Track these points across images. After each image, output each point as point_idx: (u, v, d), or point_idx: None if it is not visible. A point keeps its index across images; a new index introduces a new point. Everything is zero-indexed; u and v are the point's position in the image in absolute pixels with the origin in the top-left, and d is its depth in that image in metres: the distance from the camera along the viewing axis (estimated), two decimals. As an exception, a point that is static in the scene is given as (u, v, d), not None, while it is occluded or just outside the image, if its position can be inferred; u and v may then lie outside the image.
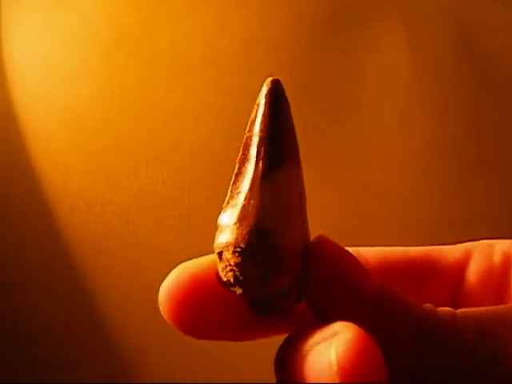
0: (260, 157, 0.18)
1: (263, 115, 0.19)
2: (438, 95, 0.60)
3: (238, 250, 0.17)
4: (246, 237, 0.17)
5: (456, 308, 0.21)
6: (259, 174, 0.18)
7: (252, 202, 0.18)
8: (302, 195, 0.19)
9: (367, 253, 0.22)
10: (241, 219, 0.18)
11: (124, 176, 0.57)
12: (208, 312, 0.18)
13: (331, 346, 0.16)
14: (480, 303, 0.21)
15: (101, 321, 0.53)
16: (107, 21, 0.62)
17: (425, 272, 0.22)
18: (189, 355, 0.52)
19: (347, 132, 0.59)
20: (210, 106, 0.59)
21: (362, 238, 0.58)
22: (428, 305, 0.18)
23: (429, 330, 0.17)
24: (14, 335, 0.53)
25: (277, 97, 0.19)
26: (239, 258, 0.17)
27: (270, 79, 0.19)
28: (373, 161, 0.59)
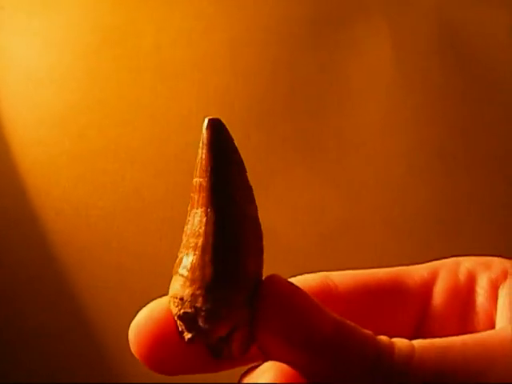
0: (207, 207, 0.18)
1: (205, 160, 0.18)
2: (423, 94, 0.60)
3: (182, 304, 0.18)
4: (191, 297, 0.18)
5: (423, 328, 0.22)
6: (209, 226, 0.18)
7: (200, 260, 0.18)
8: (257, 233, 0.19)
9: (336, 277, 0.23)
10: (191, 279, 0.18)
11: (109, 180, 0.57)
12: (176, 351, 0.19)
13: None
14: (447, 321, 0.22)
15: (87, 323, 0.53)
16: (92, 25, 0.61)
17: (393, 293, 0.22)
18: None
19: (333, 132, 0.59)
20: (195, 109, 0.59)
21: (349, 236, 0.58)
22: (386, 340, 0.17)
23: (385, 371, 0.17)
24: (1, 339, 0.53)
25: (216, 139, 0.18)
26: (181, 311, 0.18)
27: (207, 120, 0.18)
28: (359, 160, 0.59)
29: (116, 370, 0.52)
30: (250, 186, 0.19)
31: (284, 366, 0.18)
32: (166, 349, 0.19)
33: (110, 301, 0.53)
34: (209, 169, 0.18)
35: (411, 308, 0.22)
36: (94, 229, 0.55)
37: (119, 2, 0.61)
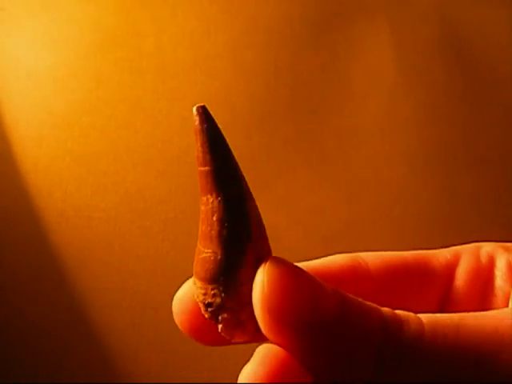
0: (217, 193, 0.18)
1: (204, 147, 0.19)
2: (424, 94, 0.60)
3: (203, 294, 0.19)
4: (212, 292, 0.18)
5: (446, 308, 0.22)
6: (220, 213, 0.18)
7: (213, 251, 0.18)
8: (259, 223, 0.19)
9: (367, 257, 0.23)
10: (208, 280, 0.18)
11: (111, 181, 0.57)
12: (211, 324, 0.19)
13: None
14: (468, 302, 0.22)
15: (89, 324, 0.53)
16: (93, 26, 0.61)
17: (419, 273, 0.23)
18: (177, 357, 0.52)
19: (334, 133, 0.59)
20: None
21: (351, 237, 0.58)
22: (393, 315, 0.17)
23: (393, 347, 0.16)
24: (2, 339, 0.53)
25: (210, 125, 0.19)
26: (202, 298, 0.19)
27: (196, 108, 0.19)
28: (360, 161, 0.59)
29: (117, 371, 0.52)
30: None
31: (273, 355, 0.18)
32: (202, 321, 0.19)
33: (111, 302, 0.53)
34: (210, 155, 0.18)
35: (435, 288, 0.23)
36: (95, 230, 0.55)
37: (121, 3, 0.61)
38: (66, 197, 0.56)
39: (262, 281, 0.17)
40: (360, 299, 0.17)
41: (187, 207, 0.55)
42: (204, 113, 0.19)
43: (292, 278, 0.17)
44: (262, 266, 0.18)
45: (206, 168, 0.19)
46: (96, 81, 0.60)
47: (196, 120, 0.19)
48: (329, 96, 0.60)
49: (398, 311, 0.17)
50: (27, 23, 0.61)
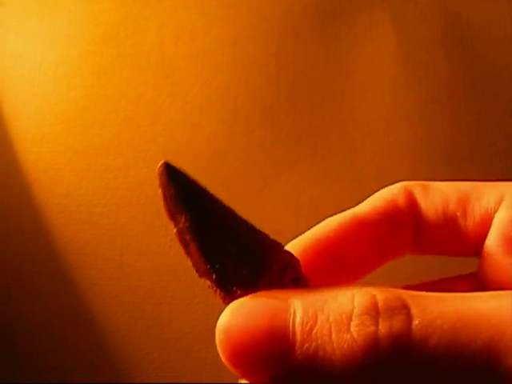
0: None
1: (171, 203, 0.18)
2: (427, 88, 0.60)
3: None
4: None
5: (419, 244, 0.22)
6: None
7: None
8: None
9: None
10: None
11: (112, 176, 0.56)
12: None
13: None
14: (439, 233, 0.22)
15: (90, 321, 0.53)
16: (94, 21, 0.61)
17: (392, 219, 0.22)
18: (179, 355, 0.52)
19: (337, 126, 0.59)
20: (199, 105, 0.59)
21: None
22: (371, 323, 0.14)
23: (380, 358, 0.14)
24: (3, 336, 0.53)
25: (175, 181, 0.18)
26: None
27: (158, 166, 0.18)
28: (364, 155, 0.59)
29: (118, 366, 0.52)
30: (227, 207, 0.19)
31: None
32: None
33: (113, 298, 0.53)
34: (181, 210, 0.18)
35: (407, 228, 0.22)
36: (97, 225, 0.55)
37: (121, -2, 0.60)
38: (67, 192, 0.56)
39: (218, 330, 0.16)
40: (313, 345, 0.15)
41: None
42: (165, 172, 0.18)
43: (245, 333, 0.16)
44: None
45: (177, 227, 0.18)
46: (97, 76, 0.60)
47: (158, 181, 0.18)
48: (331, 89, 0.60)
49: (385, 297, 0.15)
50: (27, 19, 0.61)
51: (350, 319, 0.14)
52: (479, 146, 0.59)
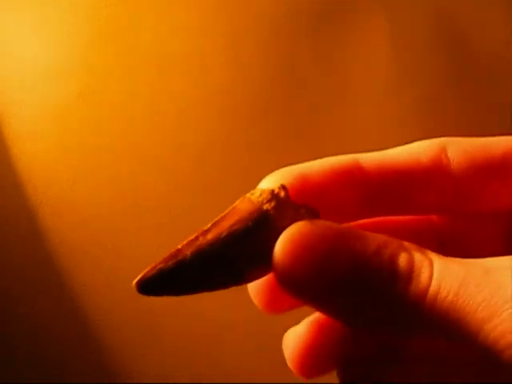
0: None
1: None
2: (422, 87, 0.60)
3: None
4: None
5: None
6: None
7: None
8: None
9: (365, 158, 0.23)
10: None
11: (106, 176, 0.56)
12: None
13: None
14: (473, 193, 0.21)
15: (83, 323, 0.53)
16: (88, 19, 0.61)
17: (412, 172, 0.22)
18: (171, 356, 0.51)
19: (332, 125, 0.59)
20: (195, 104, 0.58)
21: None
22: (411, 260, 0.17)
23: (399, 302, 0.16)
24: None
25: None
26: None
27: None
28: (358, 153, 0.59)
29: (111, 370, 0.52)
30: None
31: None
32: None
33: (105, 299, 0.53)
34: None
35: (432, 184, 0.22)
36: (90, 226, 0.55)
37: (115, -4, 0.60)
38: (60, 193, 0.56)
39: (278, 244, 0.17)
40: (375, 245, 0.17)
41: (184, 205, 0.55)
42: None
43: (305, 240, 0.17)
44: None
45: None
46: (91, 75, 0.59)
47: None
48: (327, 89, 0.59)
49: (415, 257, 0.17)
50: (20, 16, 0.61)
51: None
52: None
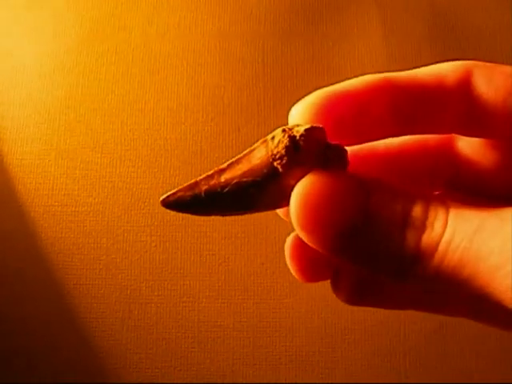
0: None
1: None
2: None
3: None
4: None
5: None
6: None
7: None
8: None
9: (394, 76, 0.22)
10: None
11: (97, 175, 0.56)
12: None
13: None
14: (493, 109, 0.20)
15: (76, 322, 0.52)
16: (78, 18, 0.60)
17: (435, 92, 0.21)
18: (166, 355, 0.51)
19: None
20: (184, 103, 0.58)
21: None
22: (426, 210, 0.16)
23: (410, 254, 0.16)
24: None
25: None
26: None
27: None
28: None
29: (105, 369, 0.52)
30: None
31: None
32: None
33: (99, 298, 0.53)
34: None
35: (452, 107, 0.21)
36: (82, 225, 0.54)
37: (105, -6, 0.60)
38: (52, 192, 0.55)
39: (295, 193, 0.18)
40: (389, 194, 0.17)
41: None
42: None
43: (320, 189, 0.17)
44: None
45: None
46: (82, 74, 0.59)
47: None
48: (318, 86, 0.59)
49: (431, 206, 0.17)
50: (11, 15, 0.60)
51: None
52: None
